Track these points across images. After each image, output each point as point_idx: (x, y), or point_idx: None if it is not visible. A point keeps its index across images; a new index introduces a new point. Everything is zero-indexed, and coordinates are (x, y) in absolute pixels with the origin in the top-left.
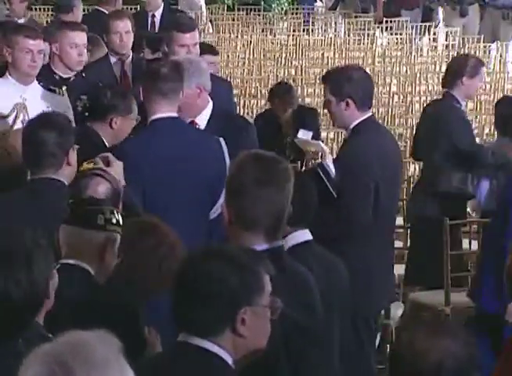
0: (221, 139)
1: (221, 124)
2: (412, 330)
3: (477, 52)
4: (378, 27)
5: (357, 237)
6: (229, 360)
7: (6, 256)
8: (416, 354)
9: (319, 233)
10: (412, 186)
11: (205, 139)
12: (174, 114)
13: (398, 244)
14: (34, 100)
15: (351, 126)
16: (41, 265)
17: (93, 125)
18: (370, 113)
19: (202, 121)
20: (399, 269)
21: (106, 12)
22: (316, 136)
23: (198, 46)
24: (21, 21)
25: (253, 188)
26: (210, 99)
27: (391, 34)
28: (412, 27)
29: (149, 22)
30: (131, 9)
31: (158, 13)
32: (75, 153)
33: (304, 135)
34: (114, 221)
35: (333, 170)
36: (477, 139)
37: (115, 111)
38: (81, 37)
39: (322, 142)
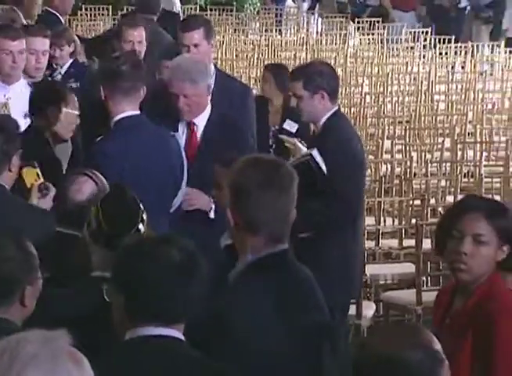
0: (176, 134)
1: (219, 126)
2: (372, 333)
3: (449, 53)
4: (351, 27)
5: (343, 229)
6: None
7: None
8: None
9: (304, 224)
10: (384, 185)
11: (166, 135)
12: (138, 112)
13: (370, 243)
14: (18, 99)
15: (323, 120)
16: None
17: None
18: (337, 106)
19: (201, 121)
20: (371, 269)
21: (57, 14)
22: (303, 127)
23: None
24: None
25: (257, 192)
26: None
27: (363, 34)
28: (384, 28)
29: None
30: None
31: None
32: (18, 159)
33: (289, 126)
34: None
35: (323, 163)
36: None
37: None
38: (41, 43)
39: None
